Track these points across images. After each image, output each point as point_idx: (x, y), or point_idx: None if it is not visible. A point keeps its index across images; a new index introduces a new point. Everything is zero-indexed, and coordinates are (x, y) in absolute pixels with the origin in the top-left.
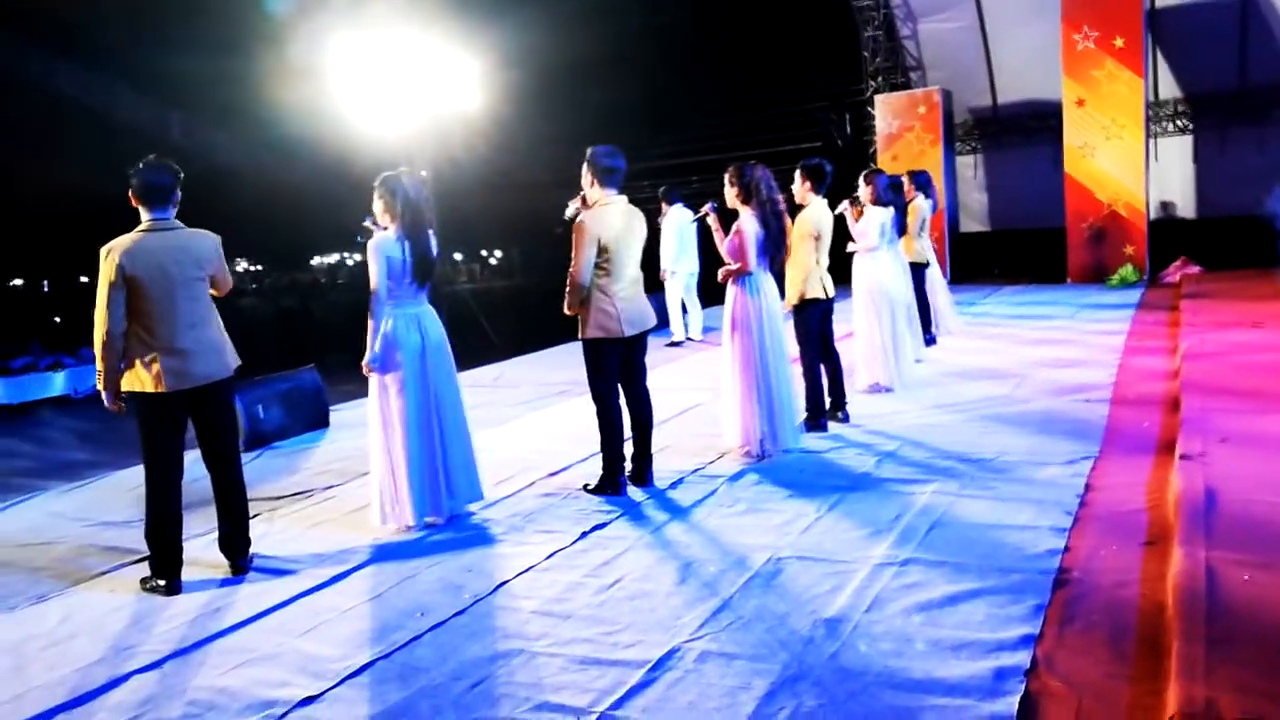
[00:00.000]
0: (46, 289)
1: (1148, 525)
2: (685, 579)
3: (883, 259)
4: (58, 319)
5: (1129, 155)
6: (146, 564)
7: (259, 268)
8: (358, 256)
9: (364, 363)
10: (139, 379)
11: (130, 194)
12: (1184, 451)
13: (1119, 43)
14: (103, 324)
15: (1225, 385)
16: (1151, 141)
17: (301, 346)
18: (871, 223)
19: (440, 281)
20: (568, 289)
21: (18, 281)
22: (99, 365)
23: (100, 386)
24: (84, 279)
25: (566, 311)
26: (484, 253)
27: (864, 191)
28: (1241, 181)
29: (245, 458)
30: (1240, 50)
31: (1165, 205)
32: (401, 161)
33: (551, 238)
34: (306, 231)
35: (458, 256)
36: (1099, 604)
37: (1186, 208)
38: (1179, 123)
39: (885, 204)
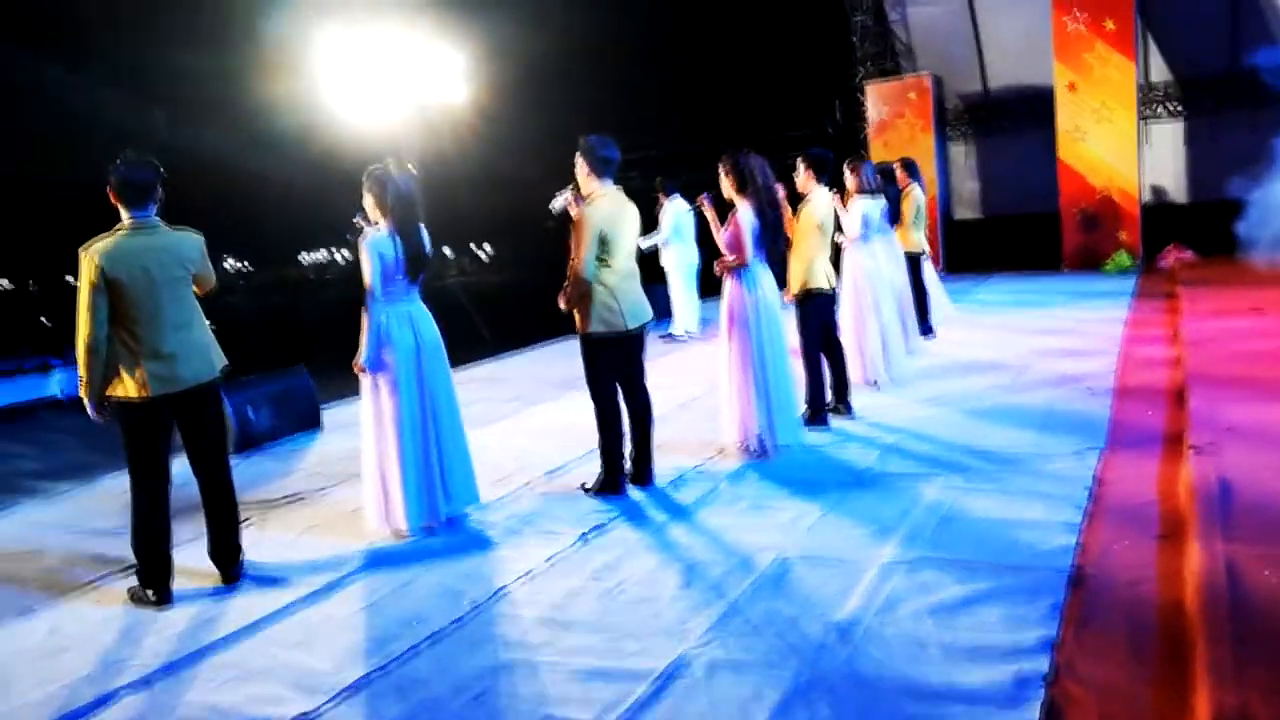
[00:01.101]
0: (34, 290)
1: (1160, 519)
2: (690, 582)
3: (871, 250)
4: (46, 320)
5: (1121, 139)
6: (135, 574)
7: (246, 265)
8: (346, 253)
9: (356, 361)
10: (123, 385)
11: (109, 192)
12: (1194, 442)
13: (1109, 25)
14: (85, 328)
15: (1229, 373)
16: (1143, 125)
17: (291, 345)
18: (855, 213)
19: (431, 276)
20: (568, 283)
21: (4, 282)
22: (82, 373)
23: (83, 395)
24: (70, 279)
25: (564, 307)
26: (474, 246)
27: (849, 180)
28: (1234, 165)
29: (235, 460)
30: (1231, 33)
31: (1158, 190)
32: (389, 155)
33: (541, 231)
34: (294, 227)
35: (448, 251)
36: (1116, 603)
37: (1179, 192)
38: (1170, 106)
39: (871, 193)
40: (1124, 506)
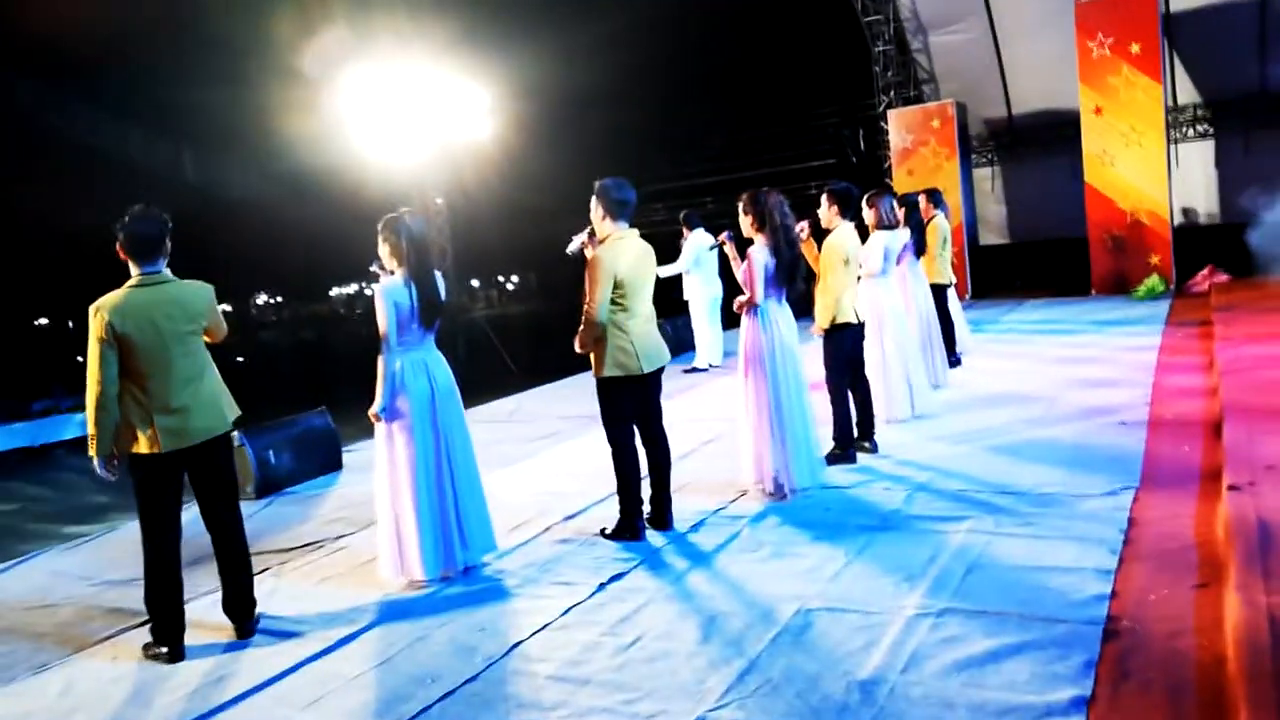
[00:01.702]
0: (71, 328)
1: (1198, 564)
2: (709, 636)
3: (890, 284)
4: (81, 359)
5: (1150, 162)
6: (149, 629)
7: (278, 300)
8: (373, 286)
9: (372, 411)
10: (135, 440)
11: (118, 248)
12: (1231, 481)
13: (1135, 49)
14: (95, 385)
15: (1268, 405)
16: (1172, 147)
17: (318, 380)
18: (875, 248)
19: (454, 311)
20: (582, 326)
21: (43, 321)
22: (91, 429)
23: (93, 453)
24: None
25: (579, 350)
26: (500, 278)
27: (868, 215)
28: (1266, 185)
29: (255, 505)
30: (1260, 53)
31: (1188, 212)
32: (415, 191)
33: (566, 262)
34: (324, 263)
35: (474, 283)
36: (1153, 658)
37: (1211, 214)
38: (1199, 128)
39: (889, 227)
40: (1160, 550)
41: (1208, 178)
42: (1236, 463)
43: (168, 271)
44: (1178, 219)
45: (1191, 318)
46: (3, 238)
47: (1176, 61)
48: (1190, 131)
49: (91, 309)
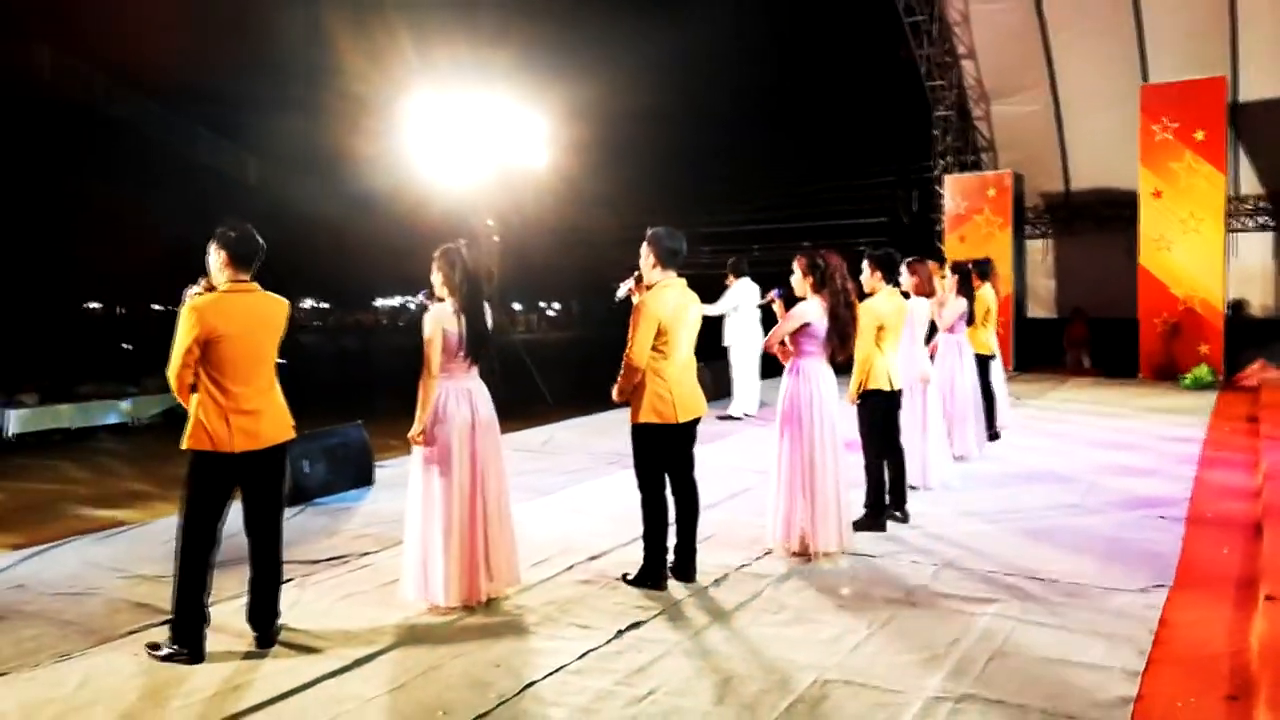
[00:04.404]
0: (120, 314)
1: (1229, 674)
2: (723, 697)
3: (921, 352)
4: (128, 345)
5: (1207, 251)
6: (170, 626)
7: (325, 305)
8: (417, 300)
9: (411, 434)
10: (212, 436)
11: (219, 251)
12: (1269, 592)
13: (1199, 136)
14: (181, 376)
15: None
16: (1231, 236)
17: (356, 389)
18: (919, 314)
19: (496, 336)
20: (623, 372)
21: (95, 305)
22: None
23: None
24: (156, 306)
25: (616, 398)
26: (542, 304)
27: (908, 281)
28: None
29: (287, 513)
30: None
31: (1244, 303)
32: (471, 214)
33: (609, 296)
34: (373, 275)
35: (517, 306)
36: None
37: (1266, 306)
38: (1260, 219)
39: (928, 294)
40: (1190, 656)
41: (1265, 269)
42: (1276, 572)
43: (255, 283)
44: (1232, 309)
45: (1238, 413)
46: (76, 227)
47: (1241, 150)
48: (1250, 222)
49: (189, 307)
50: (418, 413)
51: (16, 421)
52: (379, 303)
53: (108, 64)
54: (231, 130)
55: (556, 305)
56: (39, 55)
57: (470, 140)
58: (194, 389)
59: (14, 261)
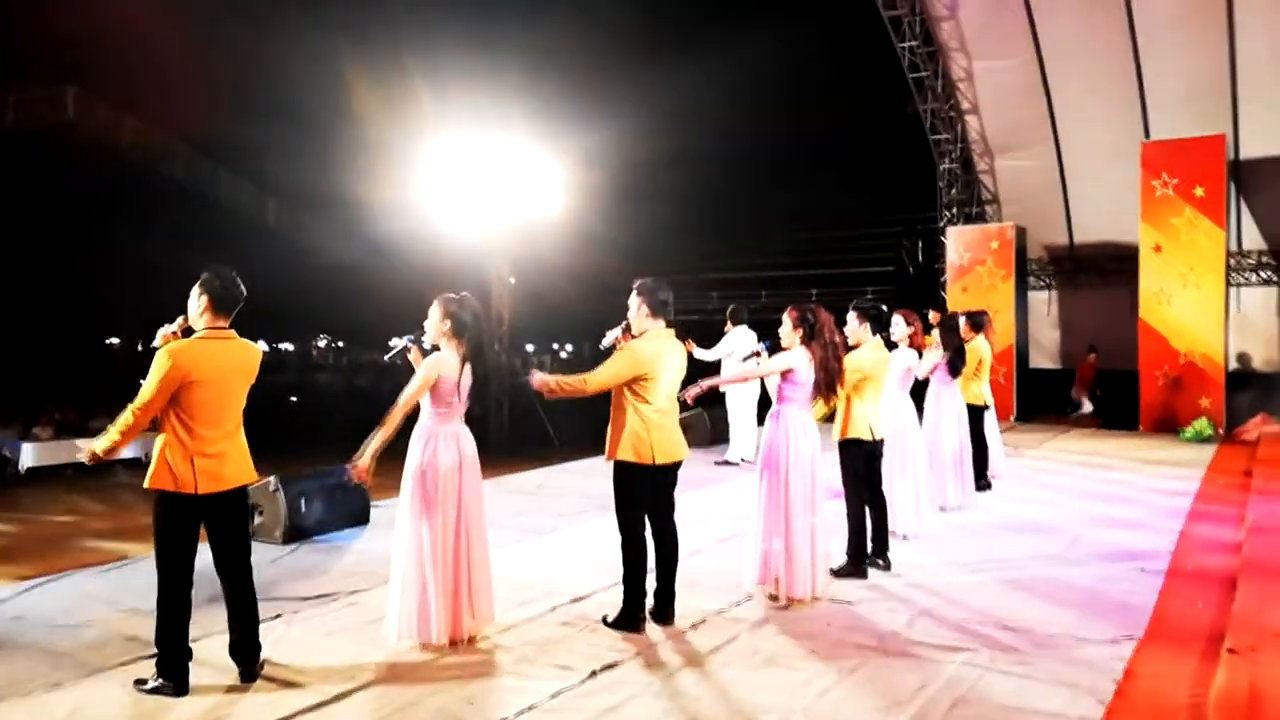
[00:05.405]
0: (140, 350)
1: None
2: None
3: (900, 404)
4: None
5: (1207, 305)
6: (155, 663)
7: (340, 344)
8: (402, 341)
9: (357, 461)
10: (176, 477)
11: (202, 295)
12: (1232, 645)
13: (1199, 192)
14: (144, 416)
15: None
16: (1233, 291)
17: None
18: (927, 361)
19: (501, 378)
20: (573, 382)
21: (113, 340)
22: (115, 439)
23: (98, 444)
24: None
25: (539, 387)
26: (555, 345)
27: (904, 331)
28: None
29: (282, 550)
30: None
31: (1245, 357)
32: (485, 258)
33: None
34: (388, 316)
35: (530, 347)
36: None
37: (1269, 360)
38: (1262, 274)
39: (915, 346)
40: (1149, 707)
41: (1268, 323)
42: (1242, 626)
43: (231, 329)
44: (1233, 363)
45: (1235, 467)
46: (97, 264)
47: (1244, 206)
48: (1254, 277)
49: (165, 351)
50: (373, 443)
51: (30, 455)
52: (394, 342)
53: (135, 109)
54: (253, 174)
55: (570, 347)
56: (68, 102)
57: (487, 185)
58: (157, 427)
59: (38, 296)
